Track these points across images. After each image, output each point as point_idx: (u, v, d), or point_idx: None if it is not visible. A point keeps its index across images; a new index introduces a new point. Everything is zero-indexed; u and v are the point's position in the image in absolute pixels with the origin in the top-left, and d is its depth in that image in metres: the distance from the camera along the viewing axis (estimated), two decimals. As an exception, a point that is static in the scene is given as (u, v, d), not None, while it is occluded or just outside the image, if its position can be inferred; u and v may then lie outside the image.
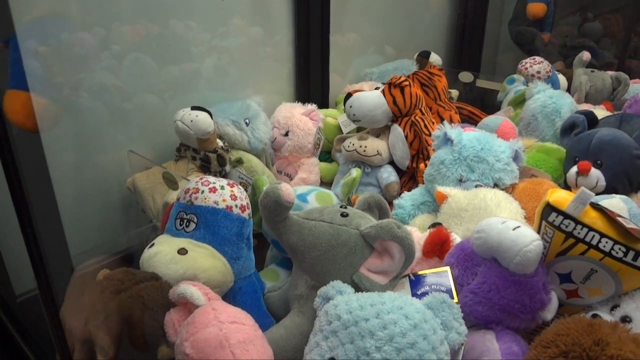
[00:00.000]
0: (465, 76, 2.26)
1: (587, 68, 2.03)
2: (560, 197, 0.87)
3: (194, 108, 1.40)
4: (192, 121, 1.37)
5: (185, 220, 0.99)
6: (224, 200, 0.99)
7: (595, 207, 0.87)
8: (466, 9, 2.56)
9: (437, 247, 0.99)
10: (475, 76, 2.28)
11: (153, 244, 0.97)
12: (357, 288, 0.87)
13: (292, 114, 1.66)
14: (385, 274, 0.89)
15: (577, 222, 0.85)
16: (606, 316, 0.86)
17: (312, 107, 1.70)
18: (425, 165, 1.37)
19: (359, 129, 1.71)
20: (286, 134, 1.64)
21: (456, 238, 1.03)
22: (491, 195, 1.14)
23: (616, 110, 1.86)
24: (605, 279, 0.86)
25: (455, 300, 0.87)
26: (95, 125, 1.38)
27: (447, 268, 0.92)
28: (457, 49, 2.59)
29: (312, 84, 1.92)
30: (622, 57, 2.45)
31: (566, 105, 1.59)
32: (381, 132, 1.59)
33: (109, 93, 1.41)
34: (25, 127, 0.99)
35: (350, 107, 1.54)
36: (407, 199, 1.32)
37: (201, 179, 1.03)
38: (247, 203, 1.03)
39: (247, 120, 1.54)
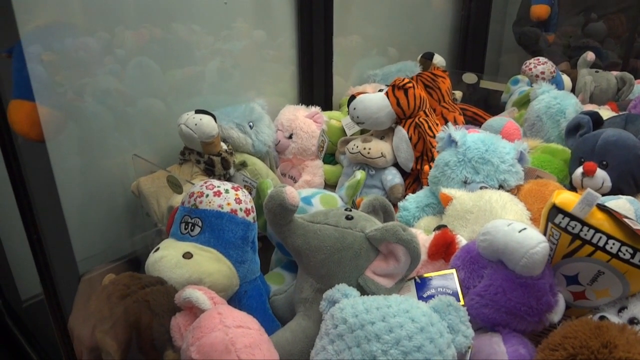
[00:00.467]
0: (469, 77, 2.26)
1: (591, 68, 2.03)
2: (567, 198, 0.87)
3: (198, 111, 1.41)
4: (196, 125, 1.37)
5: (190, 224, 0.99)
6: (228, 204, 0.99)
7: (602, 208, 0.86)
8: (469, 10, 2.56)
9: (443, 250, 0.99)
10: (479, 77, 2.28)
11: (158, 248, 0.96)
12: (363, 291, 0.87)
13: (295, 116, 1.66)
14: (391, 276, 0.89)
15: (583, 223, 0.85)
16: (614, 318, 0.86)
17: (315, 109, 1.70)
18: (430, 167, 1.36)
19: (362, 131, 1.71)
20: (290, 137, 1.64)
21: (462, 240, 1.03)
22: (496, 197, 1.13)
23: (621, 111, 1.85)
24: (613, 280, 0.86)
25: (462, 303, 0.87)
26: (100, 130, 1.39)
27: (453, 271, 0.91)
28: (461, 50, 2.59)
29: (315, 86, 1.92)
30: (627, 57, 2.44)
31: (571, 105, 1.58)
32: (385, 134, 1.58)
33: (112, 97, 1.41)
34: (30, 137, 0.99)
35: (354, 109, 1.54)
36: (412, 201, 1.32)
37: (205, 182, 1.02)
38: (252, 206, 1.03)
39: (251, 123, 1.54)
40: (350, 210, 0.96)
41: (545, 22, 2.58)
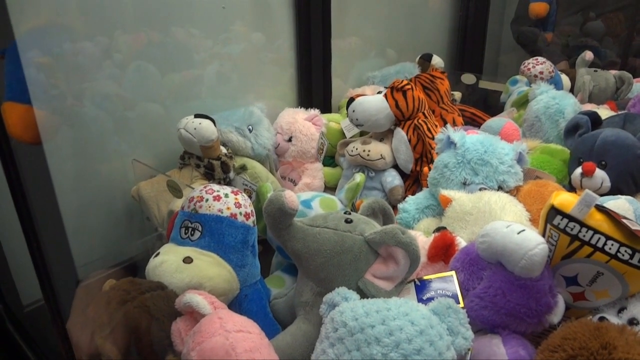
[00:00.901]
0: (468, 78, 2.26)
1: (590, 68, 2.03)
2: (565, 199, 0.87)
3: (197, 116, 1.41)
4: (195, 129, 1.37)
5: (190, 229, 0.99)
6: (228, 208, 0.99)
7: (600, 209, 0.86)
8: (467, 10, 2.56)
9: (442, 252, 0.99)
10: (478, 78, 2.28)
11: (158, 253, 0.97)
12: (363, 294, 0.87)
13: (295, 119, 1.66)
14: (391, 279, 0.89)
15: (582, 224, 0.85)
16: (613, 319, 0.86)
17: (315, 112, 1.70)
18: (429, 169, 1.37)
19: (362, 133, 1.72)
20: (289, 140, 1.64)
21: (461, 242, 1.03)
22: (495, 198, 1.14)
23: (620, 110, 1.86)
24: (612, 281, 0.86)
25: (461, 305, 0.87)
26: (99, 134, 1.39)
27: (453, 273, 0.91)
28: (459, 51, 2.60)
29: (314, 89, 1.92)
30: (625, 56, 2.45)
31: (569, 105, 1.59)
32: (384, 136, 1.59)
33: (111, 102, 1.41)
34: (24, 140, 0.99)
35: (353, 111, 1.54)
36: (412, 203, 1.32)
37: (205, 187, 1.03)
38: (252, 210, 1.04)
39: (250, 127, 1.54)
40: (350, 214, 0.97)
41: (543, 20, 2.58)
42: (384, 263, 0.90)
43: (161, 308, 0.86)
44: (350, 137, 1.73)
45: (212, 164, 1.41)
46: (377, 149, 1.53)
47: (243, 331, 0.79)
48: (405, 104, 1.52)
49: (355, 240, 0.91)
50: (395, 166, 1.57)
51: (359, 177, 1.23)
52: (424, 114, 1.56)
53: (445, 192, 1.21)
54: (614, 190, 1.25)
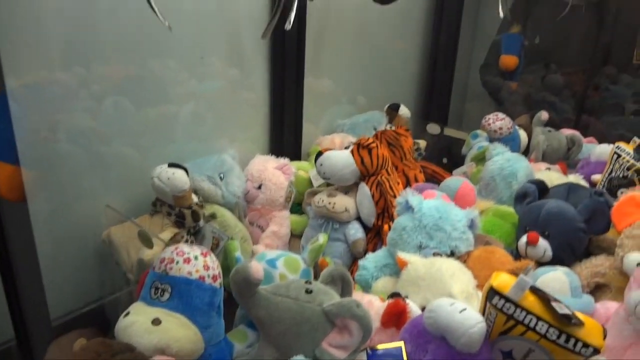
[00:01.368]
0: (433, 128, 2.37)
1: (545, 127, 2.17)
2: (503, 281, 0.96)
3: (170, 165, 1.45)
4: (169, 179, 1.42)
5: (159, 290, 1.05)
6: (197, 271, 1.06)
7: (534, 291, 0.96)
8: (435, 59, 2.67)
9: (395, 319, 1.08)
10: (442, 127, 2.39)
11: (128, 313, 1.02)
12: (319, 361, 0.95)
13: (265, 167, 1.73)
14: (345, 348, 0.97)
15: (517, 305, 0.94)
16: (544, 389, 0.96)
17: (284, 160, 1.77)
18: (389, 227, 1.46)
19: (328, 184, 1.79)
20: (259, 187, 1.71)
21: (413, 307, 1.11)
22: (447, 265, 1.23)
23: (570, 169, 2.00)
24: (542, 357, 0.95)
25: (408, 374, 0.96)
26: (73, 171, 1.41)
27: (401, 343, 1.00)
28: (427, 100, 2.70)
29: (285, 133, 1.98)
30: (579, 113, 2.60)
31: (522, 169, 1.70)
32: (350, 189, 1.67)
33: (86, 137, 1.43)
34: (8, 199, 1.04)
35: (321, 165, 1.62)
36: (371, 261, 1.40)
37: (176, 248, 1.09)
38: (219, 272, 1.10)
39: (222, 175, 1.61)
40: (310, 283, 1.04)
41: (511, 71, 2.72)
42: (340, 333, 0.98)
43: (129, 371, 0.92)
44: (318, 186, 1.80)
45: (183, 212, 1.46)
46: (342, 202, 1.61)
47: (205, 399, 0.86)
48: (370, 161, 1.61)
49: (314, 311, 0.98)
50: (359, 219, 1.65)
51: (322, 238, 1.31)
52: (387, 171, 1.66)
53: (402, 255, 1.29)
54: (556, 259, 1.36)
